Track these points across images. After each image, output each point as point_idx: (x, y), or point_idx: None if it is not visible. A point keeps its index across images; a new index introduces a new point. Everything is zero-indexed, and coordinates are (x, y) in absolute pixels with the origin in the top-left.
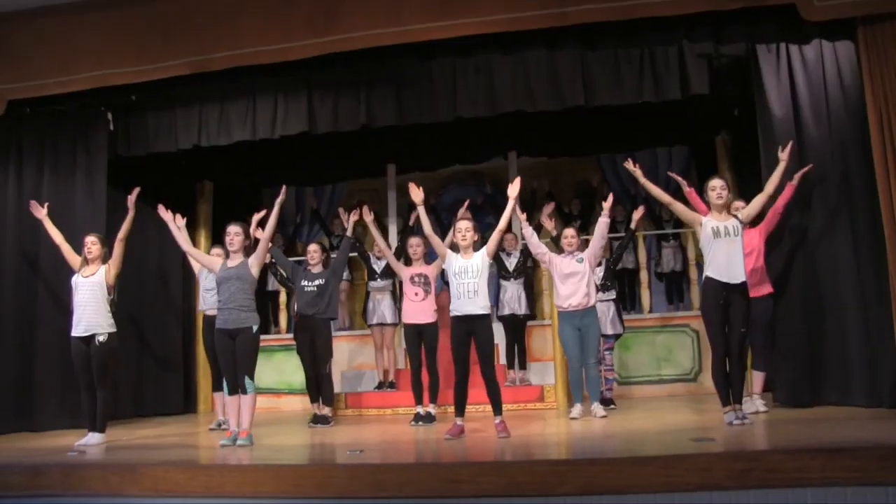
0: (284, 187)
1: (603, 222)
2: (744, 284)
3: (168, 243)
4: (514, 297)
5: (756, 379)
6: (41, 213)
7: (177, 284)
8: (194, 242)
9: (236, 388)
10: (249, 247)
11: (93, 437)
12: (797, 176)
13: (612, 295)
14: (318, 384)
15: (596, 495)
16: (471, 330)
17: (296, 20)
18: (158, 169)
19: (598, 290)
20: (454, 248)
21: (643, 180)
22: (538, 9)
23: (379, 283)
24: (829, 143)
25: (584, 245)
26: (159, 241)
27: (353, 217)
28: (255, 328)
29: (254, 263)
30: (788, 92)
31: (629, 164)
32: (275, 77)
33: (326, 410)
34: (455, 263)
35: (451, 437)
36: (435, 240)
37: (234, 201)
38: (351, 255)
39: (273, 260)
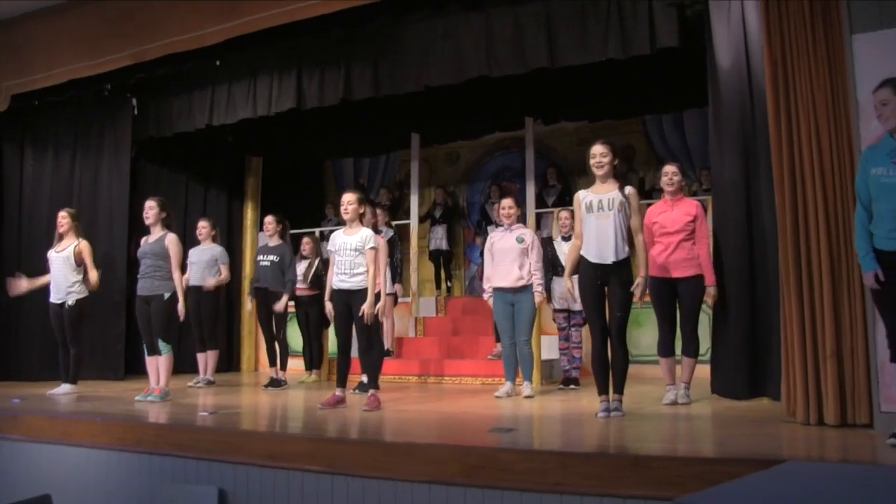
0: None
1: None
2: (618, 265)
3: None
4: None
5: (685, 365)
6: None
7: None
8: (242, 214)
9: (153, 350)
10: (167, 219)
11: (64, 387)
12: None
13: None
14: (274, 350)
15: (342, 475)
16: (349, 302)
17: (208, 9)
18: (208, 145)
19: None
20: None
21: None
22: None
23: None
24: None
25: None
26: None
27: None
28: (166, 296)
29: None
30: (741, 39)
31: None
32: (271, 57)
33: (282, 374)
34: (337, 240)
35: (324, 406)
36: None
37: (280, 174)
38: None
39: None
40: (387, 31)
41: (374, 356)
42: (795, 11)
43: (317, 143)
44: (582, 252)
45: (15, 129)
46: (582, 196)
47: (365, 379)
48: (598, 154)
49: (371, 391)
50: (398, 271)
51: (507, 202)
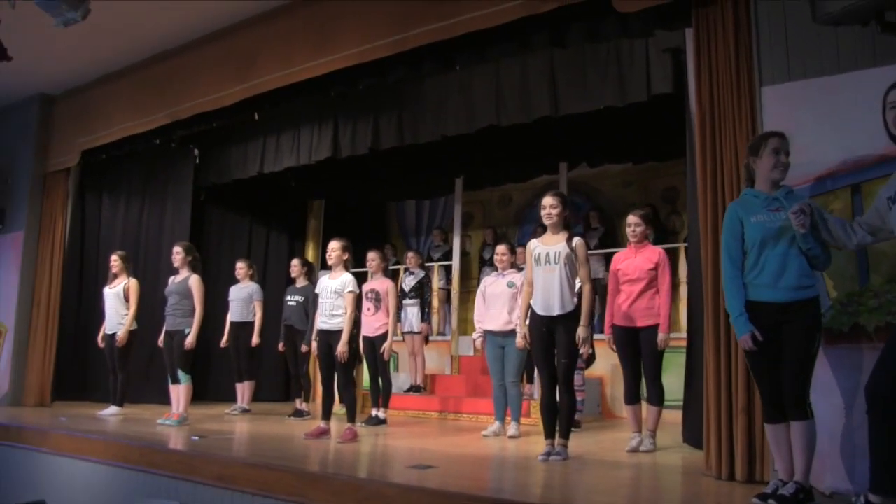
0: None
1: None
2: (564, 317)
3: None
4: None
5: (650, 414)
6: None
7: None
8: (303, 255)
9: (175, 379)
10: (193, 262)
11: (111, 409)
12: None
13: None
14: (299, 384)
15: (272, 498)
16: (329, 342)
17: (227, 73)
18: (271, 190)
19: None
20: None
21: None
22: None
23: (407, 300)
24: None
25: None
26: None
27: None
28: (187, 331)
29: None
30: None
31: None
32: (313, 109)
33: (305, 406)
34: (321, 284)
35: (308, 437)
36: None
37: (344, 216)
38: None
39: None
40: (408, 84)
41: (350, 393)
42: (723, 62)
43: (377, 186)
44: (531, 301)
45: (95, 178)
46: (532, 246)
47: (374, 412)
48: (548, 206)
49: (349, 425)
50: (427, 311)
51: (500, 248)
